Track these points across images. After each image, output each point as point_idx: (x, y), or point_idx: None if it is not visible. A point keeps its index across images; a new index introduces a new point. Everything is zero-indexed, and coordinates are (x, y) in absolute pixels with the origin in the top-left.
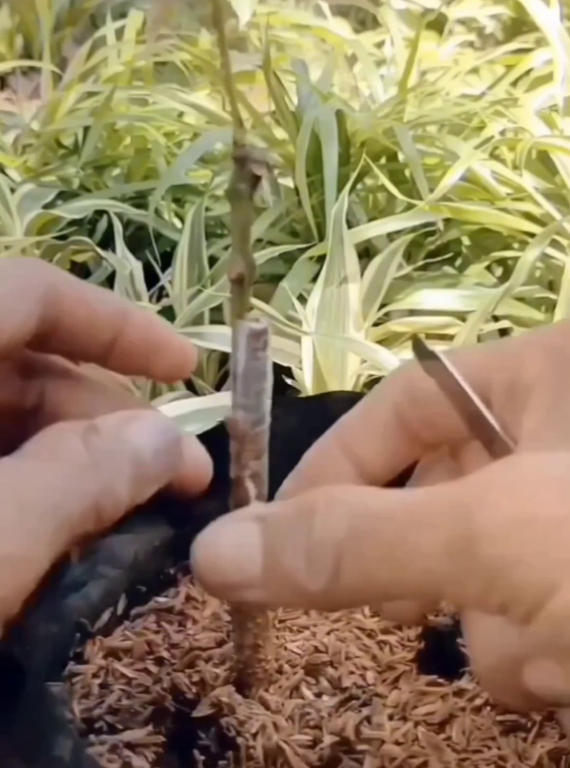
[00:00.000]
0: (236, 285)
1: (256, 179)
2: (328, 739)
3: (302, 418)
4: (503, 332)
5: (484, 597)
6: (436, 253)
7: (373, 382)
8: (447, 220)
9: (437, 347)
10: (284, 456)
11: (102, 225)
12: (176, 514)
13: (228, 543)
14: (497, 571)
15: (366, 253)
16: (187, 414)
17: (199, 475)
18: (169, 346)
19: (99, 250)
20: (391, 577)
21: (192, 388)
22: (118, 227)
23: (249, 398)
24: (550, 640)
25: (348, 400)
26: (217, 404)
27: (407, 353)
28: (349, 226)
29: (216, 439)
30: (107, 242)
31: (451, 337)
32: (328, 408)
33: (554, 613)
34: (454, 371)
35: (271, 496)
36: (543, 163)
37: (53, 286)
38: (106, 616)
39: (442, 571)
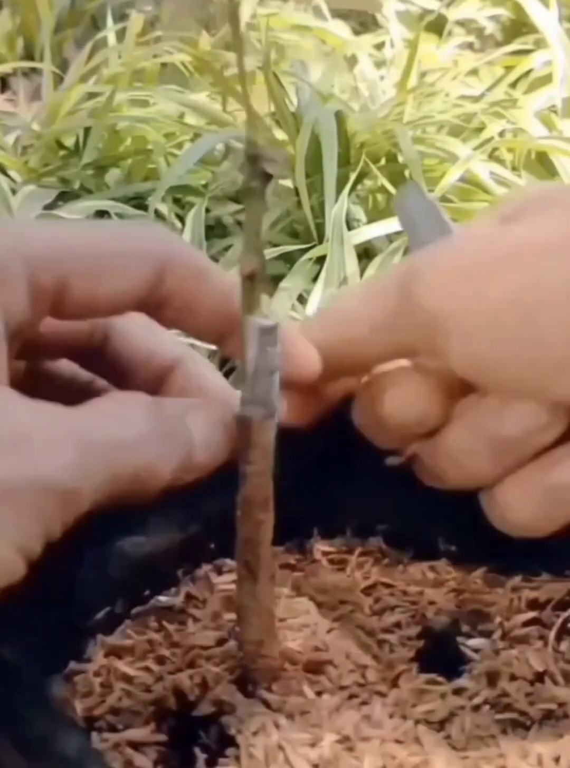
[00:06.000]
0: (248, 281)
1: (269, 177)
2: (328, 738)
3: None
4: None
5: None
6: None
7: None
8: None
9: None
10: (288, 449)
11: None
12: (183, 516)
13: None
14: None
15: (366, 254)
16: None
17: (307, 370)
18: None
19: None
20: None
21: None
22: None
23: (258, 394)
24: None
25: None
26: None
27: None
28: (349, 227)
29: None
30: None
31: None
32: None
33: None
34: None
35: (275, 494)
36: (542, 164)
37: (168, 261)
38: (107, 615)
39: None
